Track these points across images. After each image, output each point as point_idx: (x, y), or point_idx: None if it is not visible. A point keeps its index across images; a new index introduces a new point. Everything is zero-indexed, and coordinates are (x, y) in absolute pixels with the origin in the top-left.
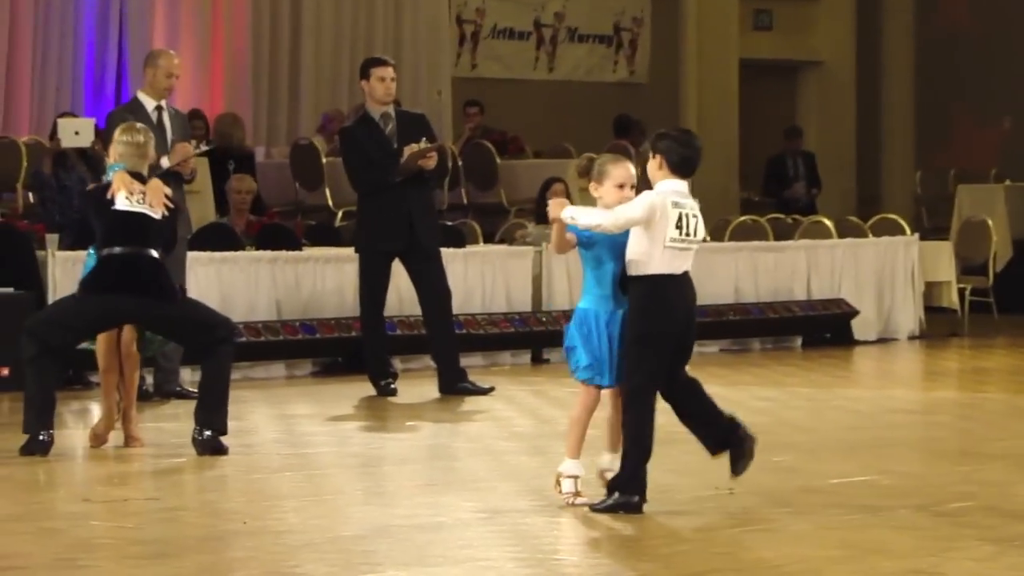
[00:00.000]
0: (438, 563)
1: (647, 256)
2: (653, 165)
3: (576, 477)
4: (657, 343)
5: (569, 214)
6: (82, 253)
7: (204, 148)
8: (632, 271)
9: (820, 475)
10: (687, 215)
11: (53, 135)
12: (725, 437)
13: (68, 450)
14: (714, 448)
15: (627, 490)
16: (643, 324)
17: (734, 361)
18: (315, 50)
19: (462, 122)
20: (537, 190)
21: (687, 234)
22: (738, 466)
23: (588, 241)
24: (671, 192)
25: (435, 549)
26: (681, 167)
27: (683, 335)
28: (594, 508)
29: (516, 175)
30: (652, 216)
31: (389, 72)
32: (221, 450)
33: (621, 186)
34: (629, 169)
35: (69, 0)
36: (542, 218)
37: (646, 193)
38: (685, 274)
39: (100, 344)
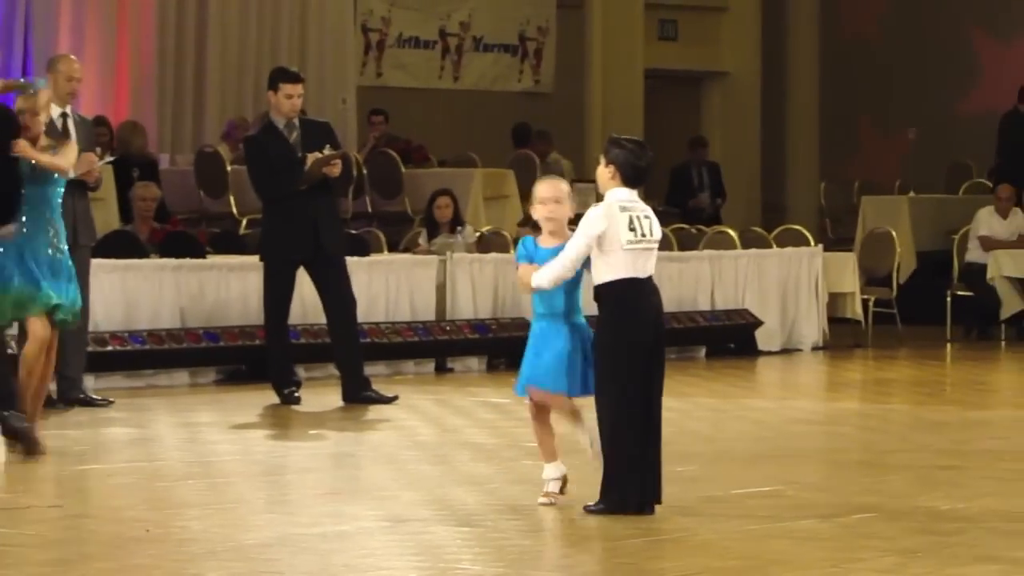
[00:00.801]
0: (341, 572)
1: (607, 263)
2: (606, 174)
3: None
4: (627, 353)
5: (536, 283)
6: None
7: (109, 158)
8: (597, 280)
9: (723, 485)
10: (637, 217)
11: None
12: None
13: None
14: None
15: (607, 496)
16: (611, 334)
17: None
18: (220, 57)
19: (367, 131)
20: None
21: (643, 235)
22: None
23: (526, 259)
24: (615, 201)
25: (338, 558)
26: (633, 178)
27: (654, 343)
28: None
29: (421, 184)
30: (597, 231)
31: (298, 89)
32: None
33: (542, 202)
34: (554, 185)
35: None
36: (433, 230)
37: (585, 216)
38: (650, 279)
39: (36, 346)
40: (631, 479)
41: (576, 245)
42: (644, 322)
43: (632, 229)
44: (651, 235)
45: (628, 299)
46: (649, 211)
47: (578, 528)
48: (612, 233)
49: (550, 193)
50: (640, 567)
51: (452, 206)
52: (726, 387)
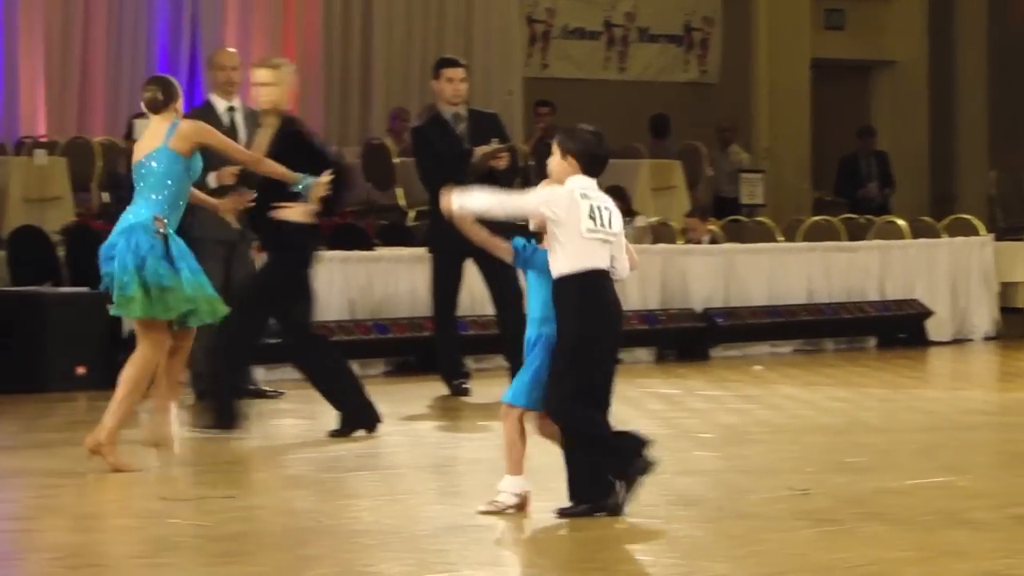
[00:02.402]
0: (511, 564)
1: (566, 253)
2: (563, 165)
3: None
4: (586, 348)
5: (458, 203)
6: None
7: None
8: (556, 272)
9: (894, 476)
10: (597, 207)
11: (128, 135)
12: None
13: (144, 449)
14: None
15: (592, 496)
16: (573, 329)
17: (807, 362)
18: (386, 50)
19: (532, 122)
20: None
21: (602, 224)
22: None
23: (522, 262)
24: (578, 187)
25: (509, 551)
26: (591, 166)
27: (613, 339)
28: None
29: None
30: (557, 210)
31: (459, 73)
32: None
33: None
34: None
35: (142, 3)
36: None
37: (550, 188)
38: (608, 272)
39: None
40: (605, 481)
41: (523, 201)
42: (605, 316)
43: (592, 218)
44: (610, 227)
45: (589, 292)
46: (610, 203)
47: (750, 519)
48: (572, 220)
49: None
50: (810, 558)
51: (620, 204)
52: (897, 377)
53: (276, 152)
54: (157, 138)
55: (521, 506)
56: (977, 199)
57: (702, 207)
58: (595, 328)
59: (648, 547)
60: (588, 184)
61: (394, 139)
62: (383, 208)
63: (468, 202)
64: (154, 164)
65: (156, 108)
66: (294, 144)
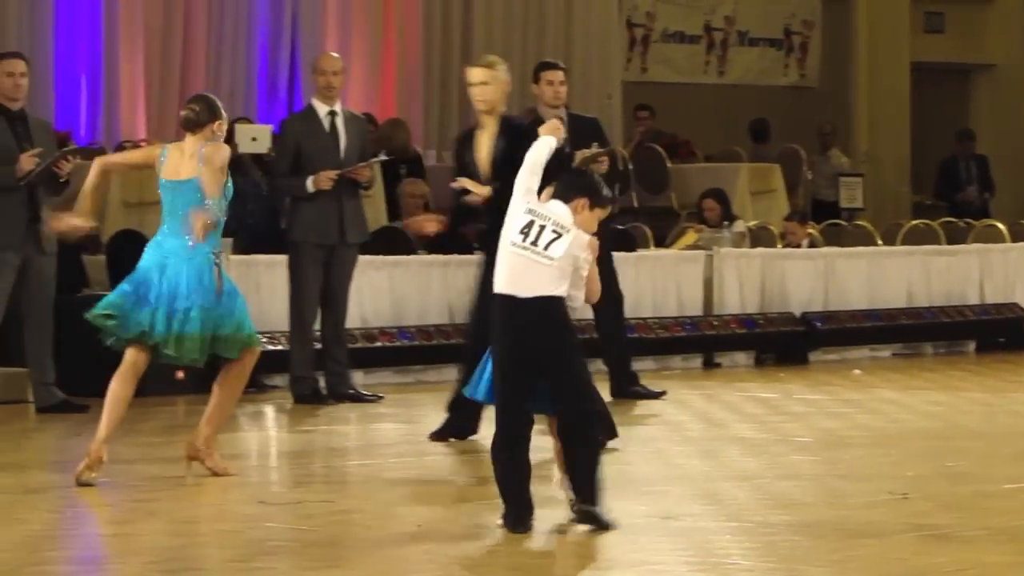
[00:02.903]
0: (610, 567)
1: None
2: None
3: None
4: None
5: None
6: (258, 256)
7: (382, 157)
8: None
9: (994, 480)
10: (541, 225)
11: (228, 140)
12: None
13: (242, 453)
14: None
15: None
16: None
17: (907, 366)
18: (486, 53)
19: (632, 126)
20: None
21: (532, 243)
22: None
23: None
24: (533, 203)
25: (608, 553)
26: (565, 192)
27: (520, 363)
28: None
29: (687, 179)
30: (520, 193)
31: (558, 76)
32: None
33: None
34: None
35: (242, 6)
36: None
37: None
38: (529, 300)
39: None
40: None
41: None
42: (506, 341)
43: (524, 233)
44: (541, 247)
45: (497, 317)
46: (564, 230)
47: (848, 524)
48: (509, 225)
49: None
50: (910, 563)
51: (719, 208)
52: (996, 381)
53: (502, 151)
54: (193, 163)
55: None
56: None
57: (801, 211)
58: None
59: (747, 551)
60: (554, 208)
61: None
62: (482, 212)
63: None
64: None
65: (192, 127)
66: (520, 140)
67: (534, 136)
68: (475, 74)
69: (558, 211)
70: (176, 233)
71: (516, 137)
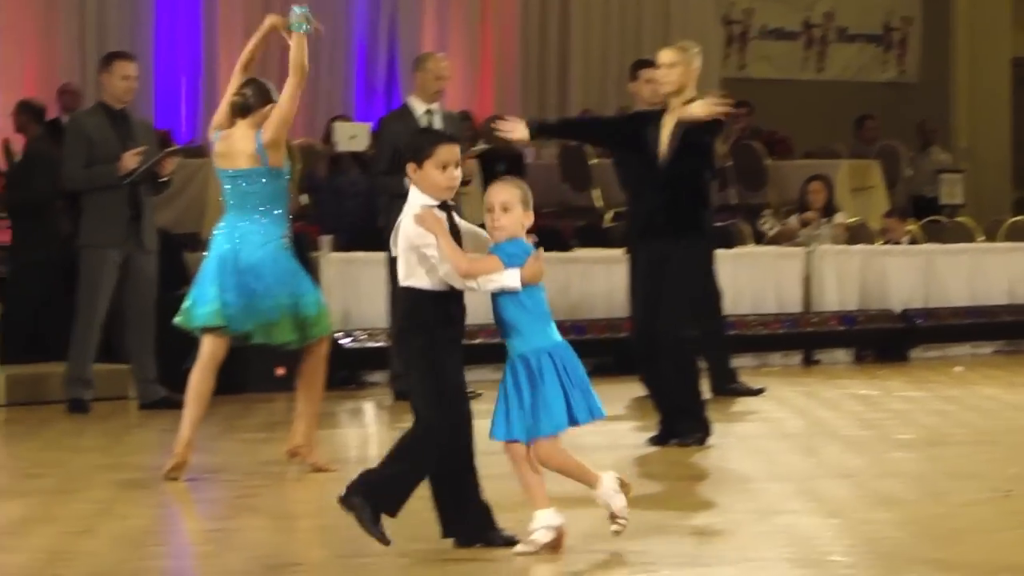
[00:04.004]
0: (711, 563)
1: None
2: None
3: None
4: None
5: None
6: (356, 254)
7: (482, 147)
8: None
9: None
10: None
11: (327, 138)
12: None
13: (342, 449)
14: None
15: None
16: None
17: (1008, 362)
18: (583, 51)
19: (730, 123)
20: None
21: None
22: None
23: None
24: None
25: (708, 549)
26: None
27: None
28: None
29: (785, 175)
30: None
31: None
32: None
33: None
34: (501, 192)
35: (341, 4)
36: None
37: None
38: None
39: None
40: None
41: None
42: None
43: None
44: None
45: None
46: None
47: (951, 521)
48: None
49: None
50: (1013, 560)
51: (825, 191)
52: None
53: (688, 134)
54: (249, 150)
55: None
56: None
57: (901, 208)
58: None
59: (848, 548)
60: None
61: None
62: (580, 209)
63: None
64: (264, 181)
65: (243, 112)
66: (701, 127)
67: (717, 126)
68: (665, 55)
69: (409, 196)
70: (247, 219)
71: (699, 124)
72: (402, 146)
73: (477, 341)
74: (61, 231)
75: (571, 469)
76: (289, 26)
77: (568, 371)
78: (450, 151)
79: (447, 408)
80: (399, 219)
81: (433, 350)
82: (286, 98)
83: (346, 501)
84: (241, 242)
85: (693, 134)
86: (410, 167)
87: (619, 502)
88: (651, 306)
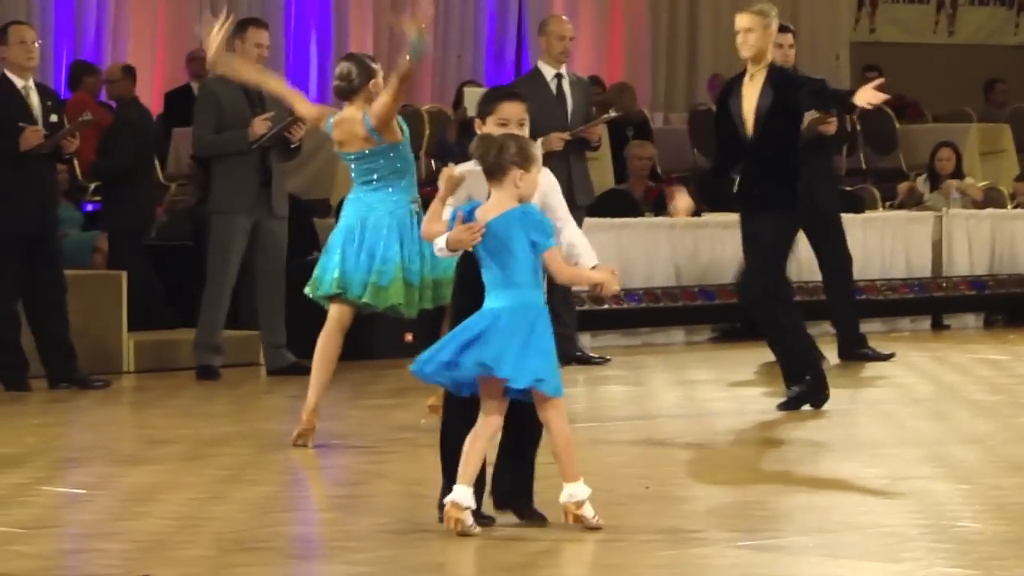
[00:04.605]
0: (839, 529)
1: None
2: None
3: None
4: None
5: None
6: None
7: (612, 115)
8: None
9: None
10: None
11: (457, 104)
12: None
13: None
14: None
15: None
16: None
17: None
18: (713, 15)
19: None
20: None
21: None
22: None
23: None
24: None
25: (836, 515)
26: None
27: None
28: None
29: (915, 139)
30: None
31: (788, 39)
32: None
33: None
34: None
35: None
36: (935, 182)
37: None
38: None
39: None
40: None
41: None
42: None
43: None
44: None
45: None
46: None
47: None
48: None
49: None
50: None
51: (954, 159)
52: None
53: (770, 103)
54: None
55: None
56: None
57: None
58: None
59: (978, 513)
60: None
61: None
62: (707, 175)
63: None
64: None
65: (347, 95)
66: (789, 91)
67: (803, 86)
68: (742, 20)
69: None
70: (374, 192)
71: (786, 88)
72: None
73: (604, 307)
74: (148, 200)
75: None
76: (411, 53)
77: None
78: (513, 108)
79: None
80: None
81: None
82: (388, 100)
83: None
84: (368, 212)
85: (780, 99)
86: (476, 123)
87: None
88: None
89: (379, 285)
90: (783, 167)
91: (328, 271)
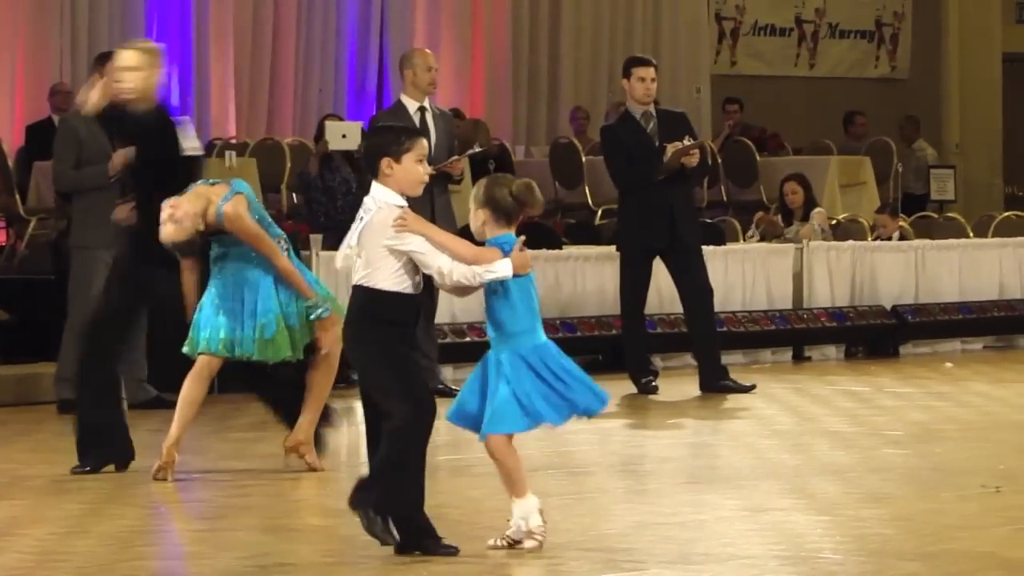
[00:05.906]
0: (701, 561)
1: None
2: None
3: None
4: None
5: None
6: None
7: (476, 149)
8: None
9: None
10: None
11: (318, 137)
12: None
13: (333, 448)
14: None
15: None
16: None
17: (999, 358)
18: (574, 49)
19: (721, 119)
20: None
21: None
22: None
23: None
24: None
25: (698, 547)
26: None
27: None
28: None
29: (776, 172)
30: None
31: (650, 72)
32: None
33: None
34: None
35: (331, 3)
36: (787, 217)
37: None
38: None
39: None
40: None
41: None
42: None
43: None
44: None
45: None
46: (367, 212)
47: (940, 517)
48: None
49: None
50: (1003, 556)
51: (801, 192)
52: None
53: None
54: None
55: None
56: None
57: (892, 204)
58: None
59: (838, 545)
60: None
61: (576, 138)
62: (570, 206)
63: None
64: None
65: None
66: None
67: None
68: None
69: (373, 193)
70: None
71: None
72: (368, 143)
73: (466, 340)
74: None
75: (511, 470)
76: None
77: (551, 369)
78: (424, 145)
79: (418, 399)
80: (361, 218)
81: (393, 345)
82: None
83: (354, 506)
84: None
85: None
86: (384, 162)
87: (537, 520)
88: None
89: (265, 340)
90: None
91: (204, 327)
